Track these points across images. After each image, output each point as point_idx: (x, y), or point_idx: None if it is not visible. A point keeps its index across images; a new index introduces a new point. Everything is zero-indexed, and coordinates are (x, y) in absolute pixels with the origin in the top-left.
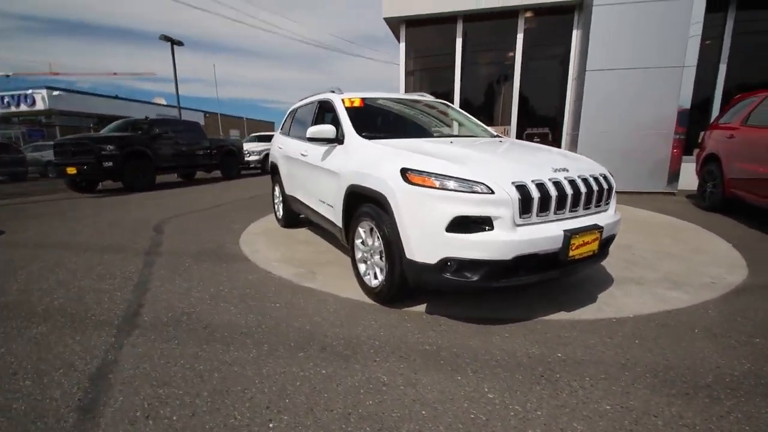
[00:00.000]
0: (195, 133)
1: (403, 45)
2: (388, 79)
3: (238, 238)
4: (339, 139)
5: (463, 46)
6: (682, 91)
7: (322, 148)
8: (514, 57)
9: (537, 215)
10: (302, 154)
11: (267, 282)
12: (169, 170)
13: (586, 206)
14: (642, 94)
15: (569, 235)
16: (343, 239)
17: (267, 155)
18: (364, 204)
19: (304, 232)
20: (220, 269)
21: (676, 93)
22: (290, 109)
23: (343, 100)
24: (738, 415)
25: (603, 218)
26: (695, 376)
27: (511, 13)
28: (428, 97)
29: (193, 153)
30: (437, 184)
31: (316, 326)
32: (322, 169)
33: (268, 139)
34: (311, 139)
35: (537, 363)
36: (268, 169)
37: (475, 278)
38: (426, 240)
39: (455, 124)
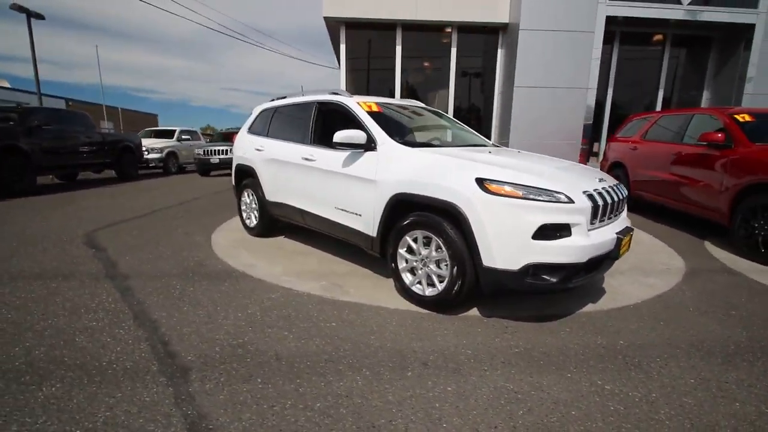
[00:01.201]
0: (82, 125)
1: (343, 46)
2: (298, 78)
3: (211, 251)
4: (369, 146)
5: (402, 53)
6: (587, 108)
7: (342, 154)
8: (449, 68)
9: (598, 221)
10: (306, 159)
11: (297, 300)
12: (51, 170)
13: (617, 211)
14: (559, 109)
15: (621, 237)
16: (373, 248)
17: (171, 153)
18: (415, 213)
19: (285, 241)
20: (227, 290)
21: (582, 110)
22: (263, 108)
23: (359, 104)
24: None
25: (624, 221)
26: (721, 345)
27: (446, 28)
28: (417, 103)
29: (80, 149)
30: (521, 194)
31: (396, 342)
32: (345, 176)
33: (169, 134)
34: (323, 144)
35: (612, 352)
36: (171, 168)
37: (555, 280)
38: (510, 247)
39: (459, 133)
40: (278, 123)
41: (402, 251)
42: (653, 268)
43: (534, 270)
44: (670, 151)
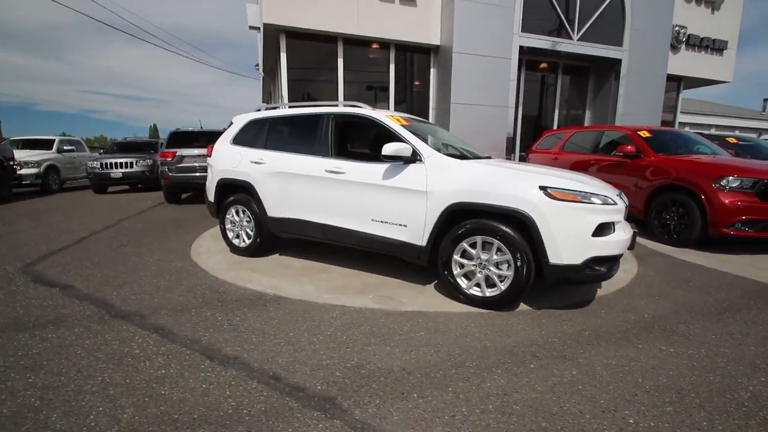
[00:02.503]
0: None
1: (284, 55)
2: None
3: (212, 276)
4: (414, 158)
5: (344, 65)
6: (508, 124)
7: (379, 166)
8: (388, 83)
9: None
10: (331, 171)
11: (362, 316)
12: None
13: None
14: (488, 124)
15: (636, 233)
16: (420, 258)
17: (51, 167)
18: (472, 220)
19: (285, 259)
20: (278, 315)
21: (505, 125)
22: (250, 119)
23: (391, 118)
24: (759, 318)
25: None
26: (706, 308)
27: (384, 44)
28: (406, 115)
29: None
30: (581, 198)
31: (492, 340)
32: (388, 188)
33: (46, 144)
34: (346, 157)
35: (647, 324)
36: (52, 186)
37: (604, 270)
38: (574, 245)
39: (457, 143)
40: (279, 135)
41: (456, 257)
42: None
43: (591, 263)
44: (589, 161)
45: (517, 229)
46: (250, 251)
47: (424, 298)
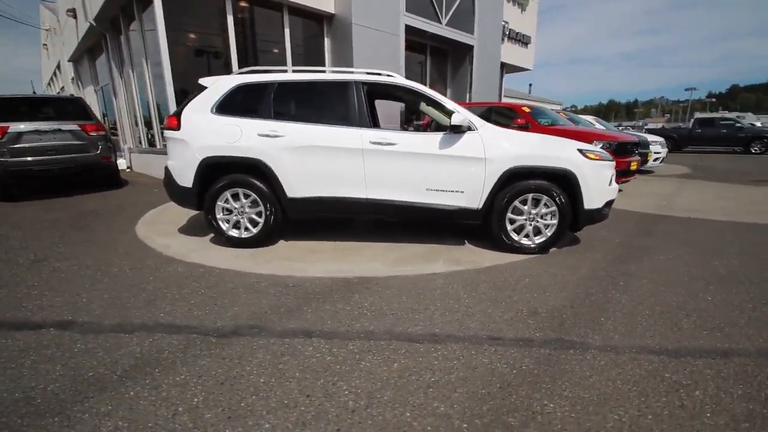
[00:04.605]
0: None
1: (160, 9)
2: None
3: (258, 273)
4: (470, 128)
5: (236, 27)
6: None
7: (432, 136)
8: (284, 50)
9: None
10: (376, 143)
11: (460, 278)
12: None
13: None
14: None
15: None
16: (474, 219)
17: None
18: (521, 181)
19: (300, 245)
20: (401, 294)
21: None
22: (241, 82)
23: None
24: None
25: None
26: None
27: (277, 6)
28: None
29: None
30: (602, 157)
31: (575, 275)
32: (446, 157)
33: None
34: (378, 126)
35: (611, 268)
36: None
37: (607, 211)
38: (600, 193)
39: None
40: (293, 103)
41: (509, 214)
42: None
43: (605, 206)
44: None
45: (561, 185)
46: (256, 241)
47: (482, 257)
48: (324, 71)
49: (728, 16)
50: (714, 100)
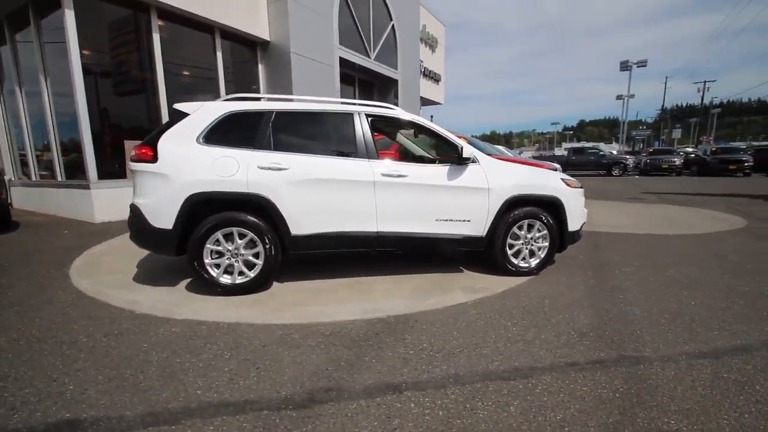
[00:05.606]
0: None
1: (72, 17)
2: None
3: (273, 323)
4: (474, 160)
5: (163, 47)
6: None
7: (439, 168)
8: (217, 75)
9: None
10: (387, 175)
11: (498, 305)
12: None
13: None
14: None
15: None
16: (478, 246)
17: None
18: (519, 209)
19: (300, 285)
20: (439, 331)
21: None
22: (233, 110)
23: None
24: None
25: None
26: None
27: (209, 28)
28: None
29: None
30: (576, 185)
31: (568, 288)
32: (454, 188)
33: None
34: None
35: (600, 283)
36: None
37: (581, 232)
38: (578, 216)
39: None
40: (293, 133)
41: (509, 240)
42: None
43: (581, 227)
44: None
45: (550, 211)
46: (252, 285)
47: (486, 281)
48: (321, 100)
49: (582, 66)
50: (571, 132)
